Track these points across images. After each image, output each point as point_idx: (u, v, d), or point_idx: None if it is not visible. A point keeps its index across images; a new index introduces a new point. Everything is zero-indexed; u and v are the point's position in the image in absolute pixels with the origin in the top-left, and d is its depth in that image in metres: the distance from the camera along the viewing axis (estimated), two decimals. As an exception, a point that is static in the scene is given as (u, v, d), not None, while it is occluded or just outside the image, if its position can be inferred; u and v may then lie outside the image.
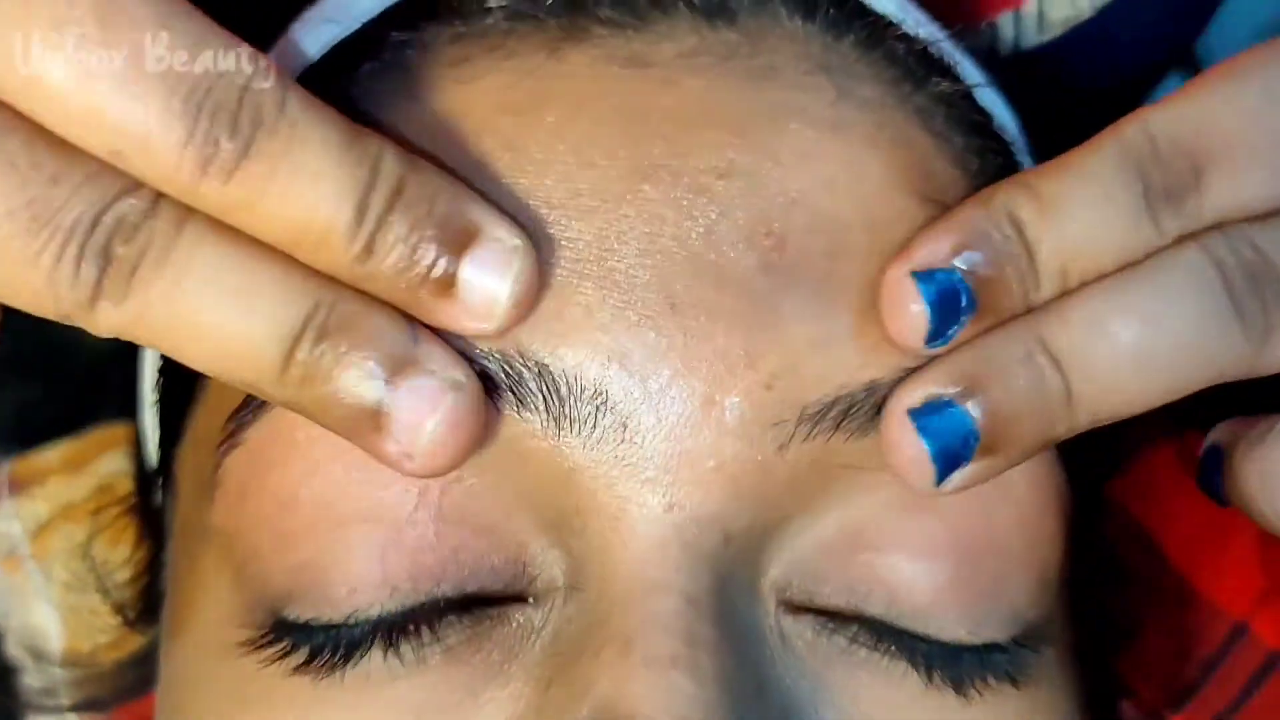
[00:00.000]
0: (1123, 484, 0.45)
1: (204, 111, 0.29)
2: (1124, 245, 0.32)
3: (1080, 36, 0.46)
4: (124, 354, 0.45)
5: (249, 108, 0.29)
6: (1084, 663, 0.38)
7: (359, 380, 0.30)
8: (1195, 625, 0.43)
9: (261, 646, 0.34)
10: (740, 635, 0.33)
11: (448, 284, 0.31)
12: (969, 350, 0.33)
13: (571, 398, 0.32)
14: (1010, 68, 0.41)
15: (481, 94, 0.35)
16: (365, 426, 0.31)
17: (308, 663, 0.33)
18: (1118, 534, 0.44)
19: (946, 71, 0.38)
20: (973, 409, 0.32)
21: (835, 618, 0.34)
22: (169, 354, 0.31)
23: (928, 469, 0.32)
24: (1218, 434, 0.35)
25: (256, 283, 0.30)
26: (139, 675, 0.47)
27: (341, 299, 0.30)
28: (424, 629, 0.33)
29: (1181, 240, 0.32)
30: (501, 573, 0.33)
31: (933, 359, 0.33)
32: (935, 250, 0.32)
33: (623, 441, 0.32)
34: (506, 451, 0.33)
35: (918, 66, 0.37)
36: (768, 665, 0.33)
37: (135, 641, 0.47)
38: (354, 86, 0.36)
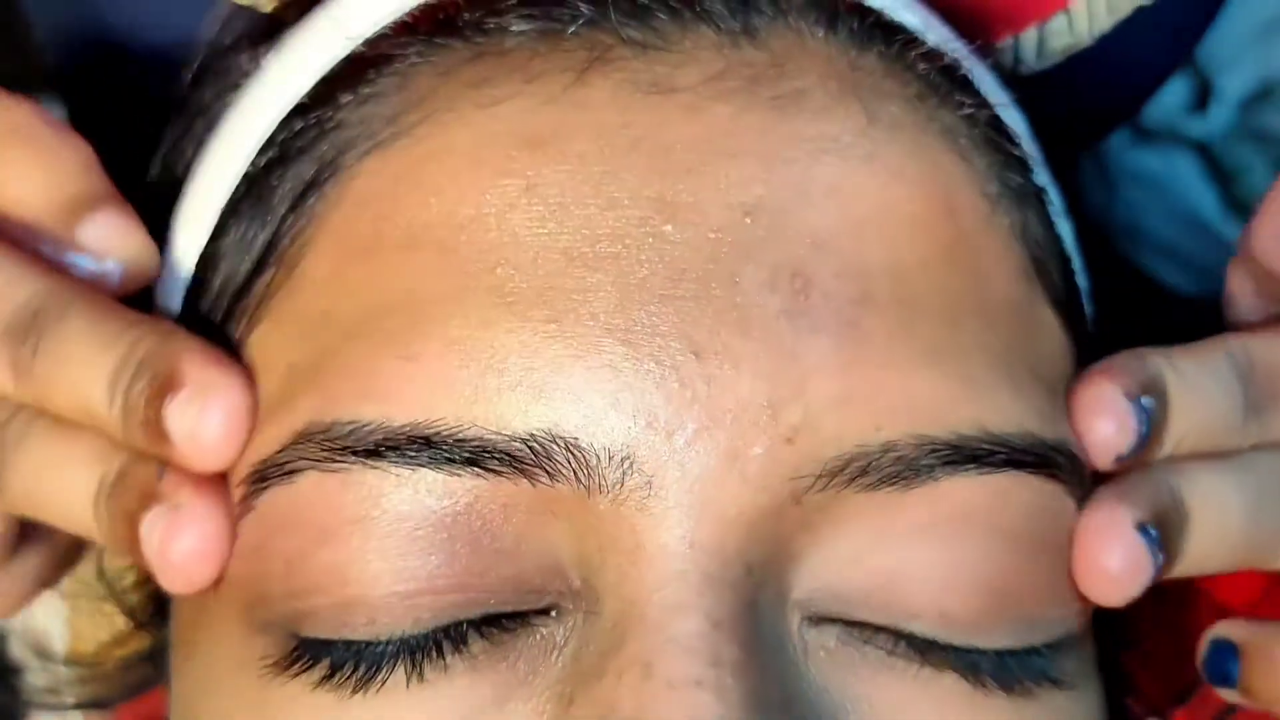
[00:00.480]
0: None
1: (11, 332, 0.35)
2: (1222, 434, 0.37)
3: (1080, 62, 0.46)
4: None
5: (39, 320, 0.35)
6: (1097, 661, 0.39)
7: (123, 520, 0.35)
8: (1197, 622, 0.44)
9: (281, 662, 0.34)
10: (766, 655, 0.33)
11: (164, 430, 0.34)
12: (1149, 484, 0.36)
13: (600, 466, 0.32)
14: (1011, 87, 0.40)
15: (503, 123, 0.34)
16: (140, 556, 0.35)
17: (329, 677, 0.33)
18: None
19: (970, 88, 0.38)
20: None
21: (865, 629, 0.34)
22: (44, 521, 0.37)
23: (1138, 579, 0.35)
24: (1226, 630, 0.39)
25: (68, 457, 0.36)
26: (144, 673, 0.47)
27: (121, 459, 0.35)
28: (446, 643, 0.33)
29: (1257, 447, 0.37)
30: (524, 601, 0.33)
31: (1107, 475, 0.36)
32: (1131, 384, 0.36)
33: (649, 496, 0.32)
34: (539, 514, 0.33)
35: (942, 83, 0.37)
36: (793, 681, 0.33)
37: (141, 640, 0.47)
38: (372, 101, 0.36)
